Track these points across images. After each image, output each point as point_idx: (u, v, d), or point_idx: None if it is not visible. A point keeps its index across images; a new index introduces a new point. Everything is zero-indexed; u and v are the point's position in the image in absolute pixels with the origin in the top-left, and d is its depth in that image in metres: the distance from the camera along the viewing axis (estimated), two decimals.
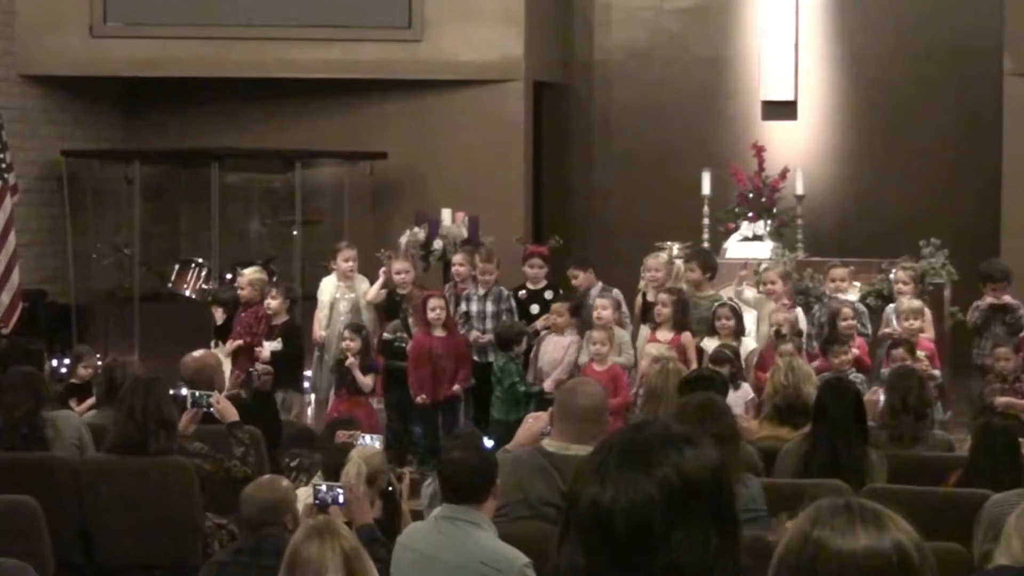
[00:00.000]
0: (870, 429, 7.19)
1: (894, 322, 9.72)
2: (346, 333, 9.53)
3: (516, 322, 9.82)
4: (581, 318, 9.77)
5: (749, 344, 9.41)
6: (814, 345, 9.50)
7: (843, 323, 9.25)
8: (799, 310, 9.76)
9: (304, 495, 5.78)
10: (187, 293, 12.76)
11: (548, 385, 9.28)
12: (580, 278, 10.20)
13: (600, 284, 10.14)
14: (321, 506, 5.39)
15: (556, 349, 9.56)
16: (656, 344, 9.05)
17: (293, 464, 7.00)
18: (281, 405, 9.50)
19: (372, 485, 5.65)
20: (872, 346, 9.69)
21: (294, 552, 4.24)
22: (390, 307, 10.24)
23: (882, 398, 7.64)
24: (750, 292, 9.93)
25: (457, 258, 10.51)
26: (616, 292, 9.99)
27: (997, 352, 9.01)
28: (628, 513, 1.90)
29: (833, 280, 9.95)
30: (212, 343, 9.74)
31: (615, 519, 1.90)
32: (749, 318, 9.67)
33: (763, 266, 10.38)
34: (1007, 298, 9.62)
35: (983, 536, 5.44)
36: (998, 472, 6.11)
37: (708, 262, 10.21)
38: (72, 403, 8.71)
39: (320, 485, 5.54)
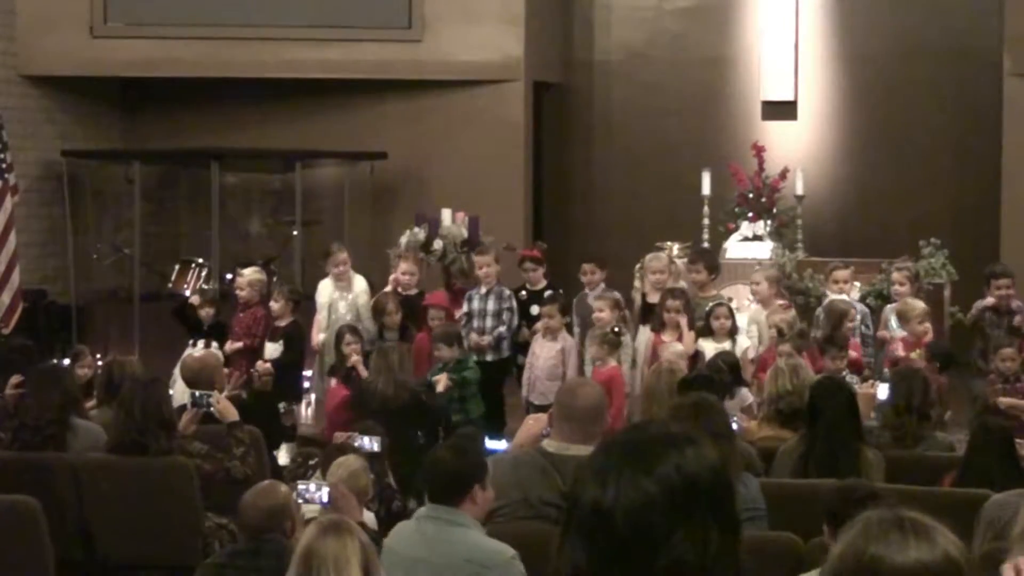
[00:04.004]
0: (872, 428, 7.20)
1: (892, 323, 9.71)
2: (347, 337, 9.51)
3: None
4: (581, 317, 9.77)
5: (743, 343, 9.41)
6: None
7: (850, 324, 9.25)
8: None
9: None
10: (187, 293, 12.75)
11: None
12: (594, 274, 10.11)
13: (602, 285, 10.10)
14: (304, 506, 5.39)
15: (549, 353, 9.54)
16: (672, 347, 9.02)
17: (311, 463, 7.00)
18: (283, 414, 9.53)
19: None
20: (874, 346, 9.69)
21: (309, 549, 4.16)
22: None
23: (880, 392, 7.64)
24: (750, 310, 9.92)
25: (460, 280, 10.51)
26: (615, 293, 9.97)
27: (1001, 352, 9.00)
28: (629, 513, 1.90)
29: (836, 282, 9.93)
30: (191, 343, 9.69)
31: (617, 519, 1.90)
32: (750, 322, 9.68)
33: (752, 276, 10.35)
34: (1017, 303, 9.63)
35: (983, 536, 5.44)
36: (994, 470, 6.12)
37: (713, 263, 10.23)
38: None
39: (305, 485, 5.52)
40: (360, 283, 10.41)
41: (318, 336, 10.28)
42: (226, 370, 8.76)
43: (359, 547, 4.15)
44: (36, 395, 7.13)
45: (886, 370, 8.95)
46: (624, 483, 1.91)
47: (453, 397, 9.12)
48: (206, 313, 9.94)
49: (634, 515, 1.90)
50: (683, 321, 9.31)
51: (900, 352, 9.26)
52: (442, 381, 8.99)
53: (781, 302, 9.67)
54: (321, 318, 10.35)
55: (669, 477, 1.92)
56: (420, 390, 8.84)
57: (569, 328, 9.76)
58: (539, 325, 9.89)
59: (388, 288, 10.30)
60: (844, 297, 9.77)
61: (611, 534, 1.90)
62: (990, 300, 9.65)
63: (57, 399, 7.07)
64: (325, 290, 10.42)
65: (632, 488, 1.90)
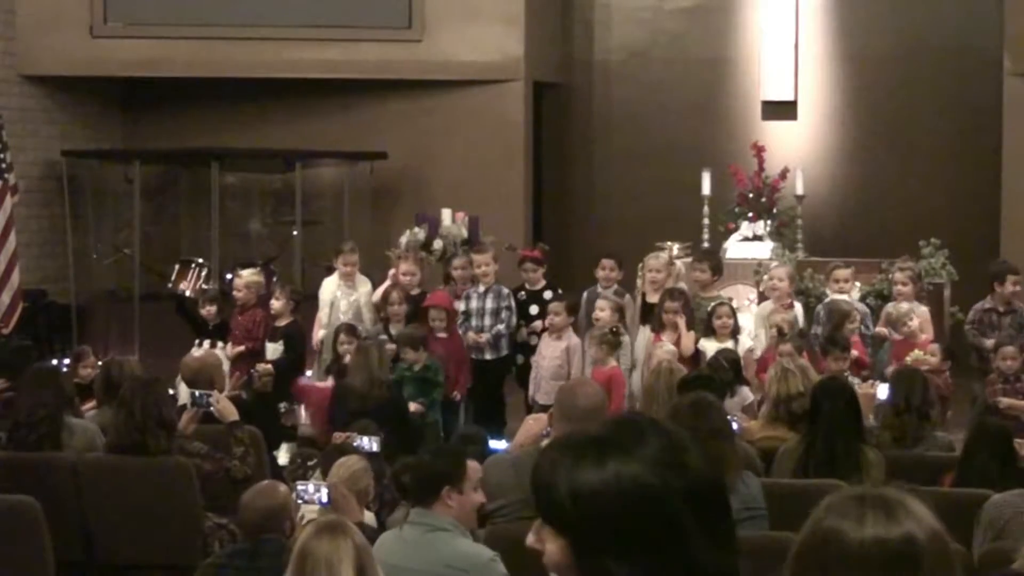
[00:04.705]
0: (872, 428, 7.19)
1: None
2: (342, 336, 9.51)
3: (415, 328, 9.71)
4: (578, 317, 9.76)
5: (745, 343, 9.41)
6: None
7: (851, 326, 9.24)
8: (799, 308, 9.72)
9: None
10: (187, 293, 12.75)
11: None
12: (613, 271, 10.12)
13: (615, 287, 10.07)
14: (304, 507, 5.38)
15: (554, 352, 9.53)
16: (661, 345, 9.02)
17: (310, 463, 7.00)
18: (284, 414, 9.53)
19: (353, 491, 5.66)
20: (873, 346, 9.69)
21: (304, 549, 4.17)
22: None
23: (880, 392, 7.63)
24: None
25: (457, 262, 10.50)
26: (627, 298, 9.97)
27: (1003, 351, 8.98)
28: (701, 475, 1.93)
29: (836, 281, 9.91)
30: (197, 342, 9.69)
31: (709, 488, 1.93)
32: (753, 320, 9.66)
33: (772, 264, 10.31)
34: (1018, 303, 9.65)
35: (983, 536, 5.44)
36: (992, 471, 6.11)
37: (718, 264, 10.24)
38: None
39: (304, 485, 5.51)
40: (365, 285, 10.40)
41: (318, 333, 10.29)
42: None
43: (353, 548, 4.15)
44: (29, 393, 7.13)
45: (888, 369, 8.95)
46: (667, 458, 1.91)
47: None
48: (207, 312, 9.93)
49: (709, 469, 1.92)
50: (681, 321, 9.31)
51: (894, 361, 9.23)
52: (413, 406, 9.00)
53: (784, 301, 9.66)
54: (322, 315, 10.35)
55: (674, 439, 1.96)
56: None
57: (575, 326, 9.73)
58: (538, 324, 9.90)
59: (389, 282, 10.30)
60: (845, 297, 9.76)
61: (709, 503, 1.91)
62: (988, 303, 9.69)
63: (50, 398, 7.07)
64: (328, 287, 10.42)
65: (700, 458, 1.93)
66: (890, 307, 9.60)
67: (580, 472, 1.89)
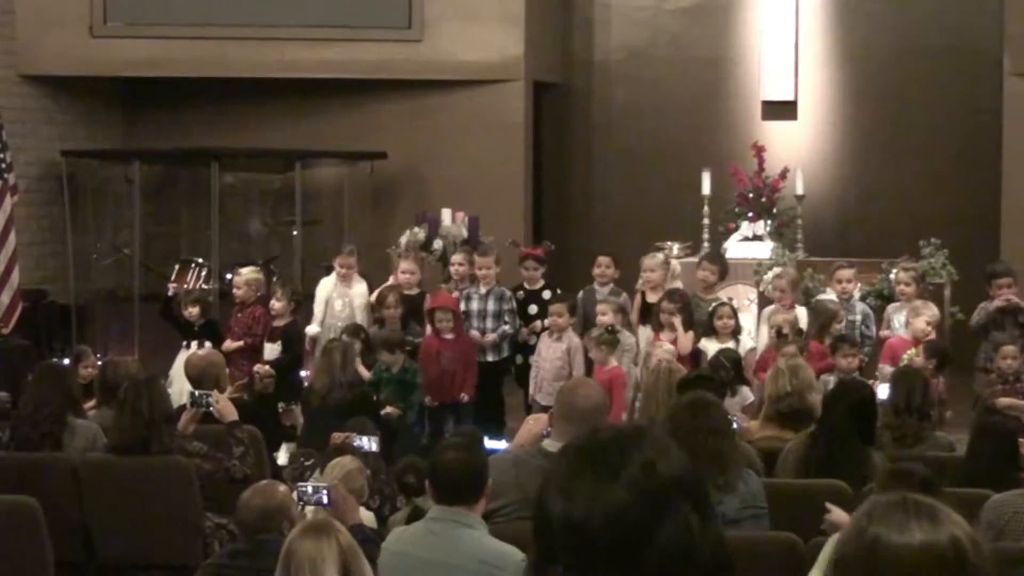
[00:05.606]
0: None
1: (895, 323, 9.69)
2: (344, 337, 9.50)
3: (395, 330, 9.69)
4: (586, 312, 9.77)
5: (747, 343, 9.40)
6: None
7: (837, 325, 9.24)
8: (803, 309, 9.70)
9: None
10: (169, 292, 12.73)
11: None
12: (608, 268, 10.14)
13: (611, 285, 10.09)
14: (306, 508, 5.38)
15: (555, 354, 9.53)
16: (660, 345, 9.01)
17: (308, 464, 6.99)
18: (283, 414, 9.53)
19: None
20: (875, 347, 9.68)
21: (290, 549, 4.21)
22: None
23: (880, 392, 7.64)
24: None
25: (456, 258, 10.51)
26: (624, 297, 9.97)
27: (1003, 350, 8.97)
28: (605, 524, 1.83)
29: (840, 281, 9.89)
30: (185, 344, 9.69)
31: (593, 531, 1.83)
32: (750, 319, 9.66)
33: (773, 272, 10.28)
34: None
35: (983, 536, 5.42)
36: (995, 471, 6.10)
37: (726, 267, 10.25)
38: None
39: (304, 486, 5.51)
40: (360, 286, 10.41)
41: (310, 329, 10.28)
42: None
43: (337, 547, 4.17)
44: (35, 391, 7.13)
45: (881, 367, 8.94)
46: (592, 493, 1.85)
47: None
48: (190, 313, 9.92)
49: (611, 524, 1.83)
50: (677, 321, 9.31)
51: (883, 356, 9.20)
52: (388, 409, 8.99)
53: (784, 302, 9.65)
54: (317, 311, 10.36)
55: (636, 479, 1.85)
56: (368, 389, 8.85)
57: (574, 326, 9.72)
58: (537, 324, 9.90)
59: (390, 281, 10.29)
60: (832, 297, 9.75)
61: (590, 545, 1.84)
62: (997, 303, 9.63)
63: (57, 397, 7.07)
64: (325, 286, 10.44)
65: (602, 497, 1.84)
66: (917, 302, 9.54)
67: (552, 491, 1.96)
